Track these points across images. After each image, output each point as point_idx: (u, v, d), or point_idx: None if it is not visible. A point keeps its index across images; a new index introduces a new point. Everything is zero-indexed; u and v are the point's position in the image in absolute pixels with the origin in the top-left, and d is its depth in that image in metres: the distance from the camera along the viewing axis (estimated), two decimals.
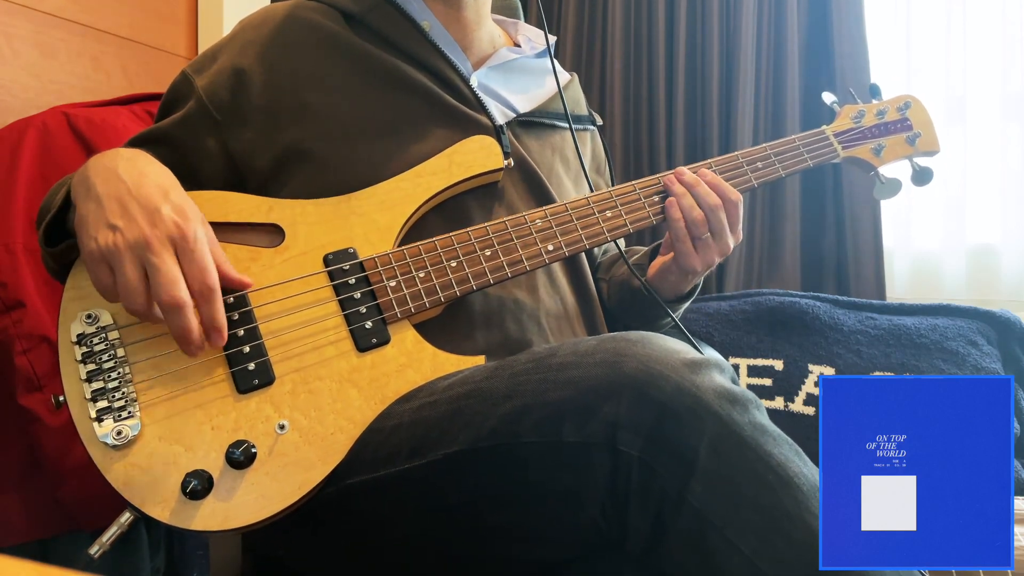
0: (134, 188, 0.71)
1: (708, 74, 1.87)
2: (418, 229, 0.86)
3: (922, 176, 1.08)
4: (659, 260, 0.98)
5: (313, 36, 0.91)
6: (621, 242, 1.11)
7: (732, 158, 0.98)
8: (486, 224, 0.85)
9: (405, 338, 0.79)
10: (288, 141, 0.88)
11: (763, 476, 0.59)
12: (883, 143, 1.07)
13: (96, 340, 0.72)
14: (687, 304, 1.04)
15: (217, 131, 0.89)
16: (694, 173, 0.93)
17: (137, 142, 0.92)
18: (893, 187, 1.07)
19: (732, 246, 0.93)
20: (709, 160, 0.97)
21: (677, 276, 0.95)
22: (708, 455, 0.59)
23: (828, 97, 1.10)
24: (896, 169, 1.09)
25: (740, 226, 0.93)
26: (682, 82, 1.88)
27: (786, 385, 1.47)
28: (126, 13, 1.50)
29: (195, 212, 0.73)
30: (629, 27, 1.94)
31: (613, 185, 1.11)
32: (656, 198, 0.93)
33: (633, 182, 0.93)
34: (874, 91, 1.11)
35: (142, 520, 0.68)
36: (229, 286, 0.74)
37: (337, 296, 0.79)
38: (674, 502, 0.59)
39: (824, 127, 1.07)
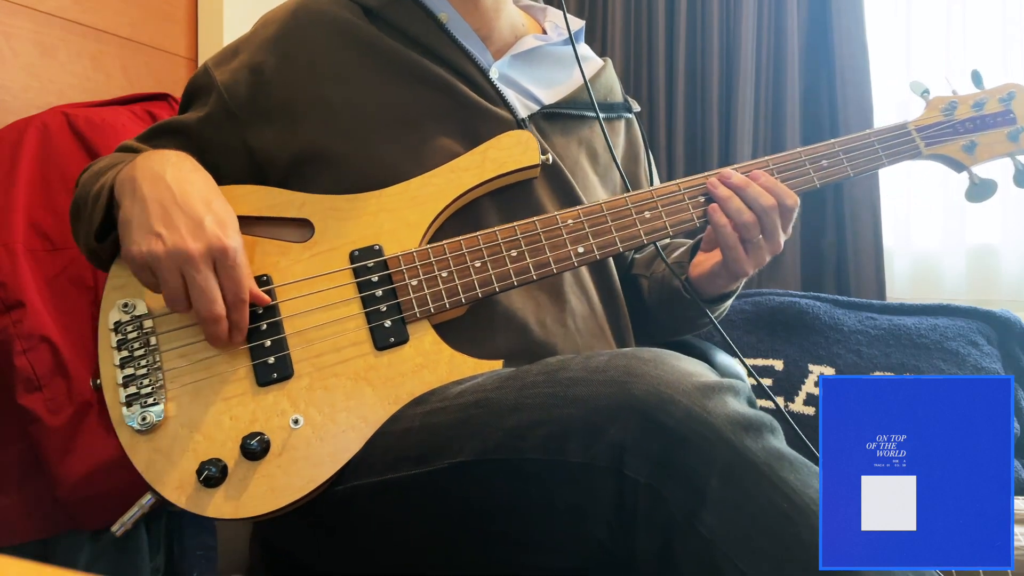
0: (179, 195, 0.74)
1: (708, 74, 1.86)
2: (442, 228, 0.84)
3: None
4: (705, 259, 0.93)
5: (331, 30, 0.90)
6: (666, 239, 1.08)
7: (794, 155, 0.90)
8: (515, 224, 0.83)
9: (424, 339, 0.78)
10: (307, 138, 0.87)
11: (778, 504, 0.57)
12: (977, 139, 0.94)
13: (131, 328, 0.76)
14: (731, 301, 0.99)
15: (237, 127, 0.89)
16: (746, 175, 0.87)
17: (158, 132, 0.93)
18: (987, 188, 0.95)
19: (783, 243, 0.87)
20: (766, 158, 0.90)
21: (726, 279, 0.91)
22: (720, 484, 0.57)
23: (917, 87, 0.97)
24: (991, 169, 0.96)
25: (792, 224, 0.87)
26: (682, 82, 1.88)
27: (786, 385, 1.47)
28: (126, 13, 1.50)
29: (235, 224, 0.76)
30: (629, 27, 1.93)
31: (652, 173, 1.06)
32: (702, 199, 0.87)
33: (677, 181, 0.87)
34: (976, 78, 0.98)
35: (161, 503, 0.71)
36: (251, 301, 0.76)
37: (360, 293, 0.79)
38: (683, 530, 0.57)
39: (907, 121, 0.95)
